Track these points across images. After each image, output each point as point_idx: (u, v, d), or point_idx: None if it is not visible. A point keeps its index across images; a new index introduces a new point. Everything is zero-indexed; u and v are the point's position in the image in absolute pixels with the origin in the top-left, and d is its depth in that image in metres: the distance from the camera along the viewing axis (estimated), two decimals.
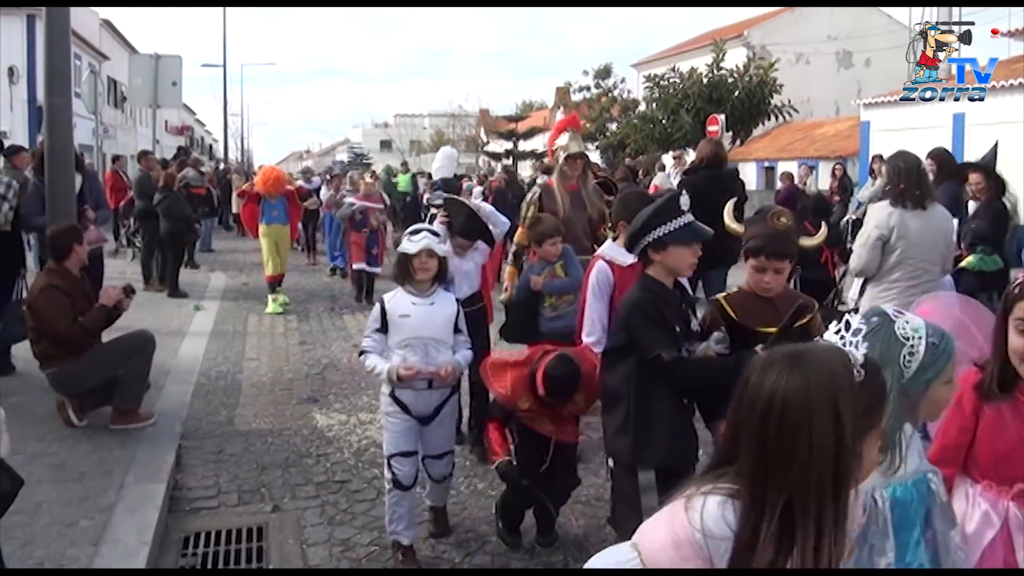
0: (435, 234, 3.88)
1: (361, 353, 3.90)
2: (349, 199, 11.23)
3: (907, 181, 4.90)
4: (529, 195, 5.85)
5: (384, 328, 3.83)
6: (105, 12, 32.18)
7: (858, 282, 5.19)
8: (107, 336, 5.62)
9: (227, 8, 34.71)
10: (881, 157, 7.67)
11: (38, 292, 5.38)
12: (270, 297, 10.42)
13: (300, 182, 16.04)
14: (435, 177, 12.91)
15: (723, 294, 3.39)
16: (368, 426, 5.80)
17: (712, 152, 7.37)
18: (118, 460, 4.82)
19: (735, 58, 25.41)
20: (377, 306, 3.88)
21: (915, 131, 15.77)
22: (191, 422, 5.82)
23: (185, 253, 12.77)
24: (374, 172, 15.55)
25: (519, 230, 5.71)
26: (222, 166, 31.99)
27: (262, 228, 10.31)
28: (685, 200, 3.16)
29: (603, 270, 3.99)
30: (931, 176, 6.97)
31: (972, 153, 10.86)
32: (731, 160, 20.91)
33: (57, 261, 5.49)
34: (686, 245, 3.15)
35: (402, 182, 22.69)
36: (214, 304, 10.61)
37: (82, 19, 25.37)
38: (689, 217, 3.16)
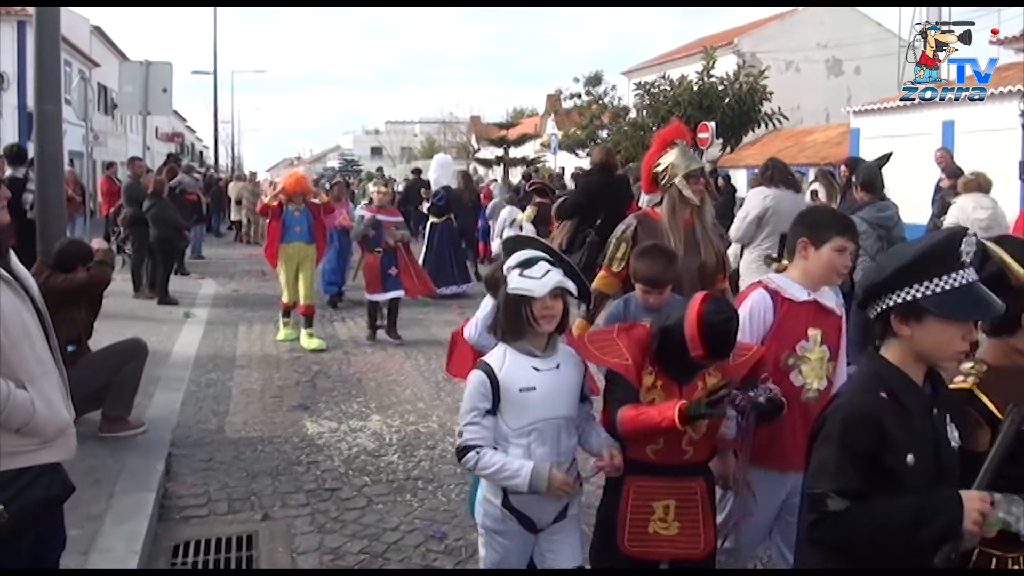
0: (553, 263, 2.73)
1: (463, 451, 2.64)
2: (359, 212, 9.31)
3: (775, 171, 6.43)
4: (620, 229, 4.31)
5: (494, 408, 2.66)
6: (96, 19, 32.23)
7: (736, 247, 6.60)
8: (99, 344, 5.60)
9: (218, 10, 34.75)
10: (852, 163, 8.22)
11: (48, 275, 5.18)
12: (281, 321, 9.00)
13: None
14: (434, 186, 12.96)
15: (968, 380, 2.15)
16: (358, 433, 5.79)
17: (602, 158, 8.13)
18: (108, 469, 4.78)
19: (725, 65, 25.59)
20: (481, 376, 2.65)
21: (905, 138, 15.85)
22: (181, 430, 5.79)
23: (175, 260, 12.72)
24: (361, 178, 15.23)
25: (601, 274, 4.33)
26: (210, 172, 31.88)
27: (281, 250, 8.57)
28: (970, 246, 1.95)
29: (762, 301, 2.89)
30: (843, 179, 8.08)
31: (962, 160, 10.94)
32: (722, 167, 21.09)
33: (58, 270, 5.32)
34: (956, 321, 1.93)
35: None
36: (204, 311, 10.55)
37: (73, 25, 25.34)
38: (971, 275, 1.94)
